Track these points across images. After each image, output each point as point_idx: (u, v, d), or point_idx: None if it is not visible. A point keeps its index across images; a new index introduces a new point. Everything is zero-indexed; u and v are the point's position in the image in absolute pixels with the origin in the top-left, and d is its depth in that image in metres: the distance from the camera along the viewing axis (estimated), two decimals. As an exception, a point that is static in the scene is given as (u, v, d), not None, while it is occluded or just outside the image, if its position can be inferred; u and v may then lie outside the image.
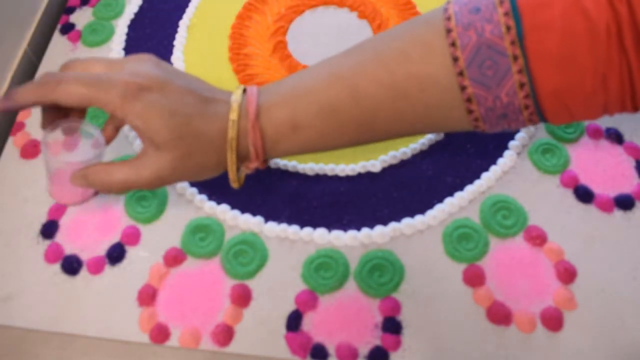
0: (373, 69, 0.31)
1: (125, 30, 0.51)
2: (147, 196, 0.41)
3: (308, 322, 0.36)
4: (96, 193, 0.34)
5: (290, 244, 0.39)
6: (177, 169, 0.31)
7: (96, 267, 0.39)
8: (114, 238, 0.40)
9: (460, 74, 0.29)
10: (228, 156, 0.32)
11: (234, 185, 0.34)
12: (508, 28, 0.28)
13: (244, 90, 0.33)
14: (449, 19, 0.30)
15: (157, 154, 0.31)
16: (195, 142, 0.31)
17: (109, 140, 0.35)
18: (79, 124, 0.34)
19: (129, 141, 0.44)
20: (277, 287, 0.38)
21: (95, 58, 0.32)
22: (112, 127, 0.35)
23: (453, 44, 0.29)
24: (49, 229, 0.40)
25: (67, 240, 0.40)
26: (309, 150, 0.33)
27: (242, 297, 0.37)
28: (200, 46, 0.50)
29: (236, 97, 0.32)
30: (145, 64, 0.32)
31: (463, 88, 0.30)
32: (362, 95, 0.31)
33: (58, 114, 0.33)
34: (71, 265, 0.39)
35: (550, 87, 0.29)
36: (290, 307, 0.37)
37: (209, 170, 0.33)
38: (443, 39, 0.30)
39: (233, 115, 0.31)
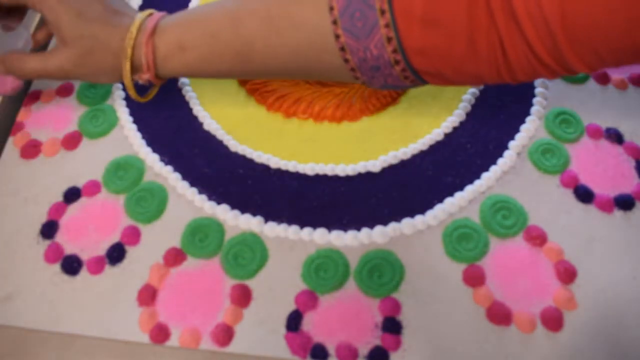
0: (255, 4, 0.34)
1: (125, 30, 0.51)
2: (146, 196, 0.41)
3: (308, 322, 0.36)
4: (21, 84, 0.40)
5: (290, 244, 0.39)
6: (76, 66, 0.37)
7: (96, 267, 0.39)
8: (114, 238, 0.40)
9: (334, 22, 0.32)
10: (123, 63, 0.36)
11: (130, 92, 0.38)
12: None
13: (151, 14, 0.37)
14: None
15: (62, 49, 0.36)
16: (95, 44, 0.36)
17: (40, 43, 0.42)
18: (15, 24, 0.40)
19: (129, 141, 0.45)
20: (277, 287, 0.38)
21: None
22: (45, 32, 0.42)
23: None
24: (49, 229, 0.40)
25: (67, 240, 0.40)
26: (195, 73, 0.37)
27: (242, 297, 0.37)
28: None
29: (141, 15, 0.36)
30: None
31: (337, 36, 0.32)
32: (240, 25, 0.34)
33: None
34: (71, 265, 0.39)
35: (415, 45, 0.30)
36: (290, 307, 0.37)
37: (105, 74, 0.37)
38: None
39: (133, 28, 0.36)
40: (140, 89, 0.39)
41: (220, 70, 0.37)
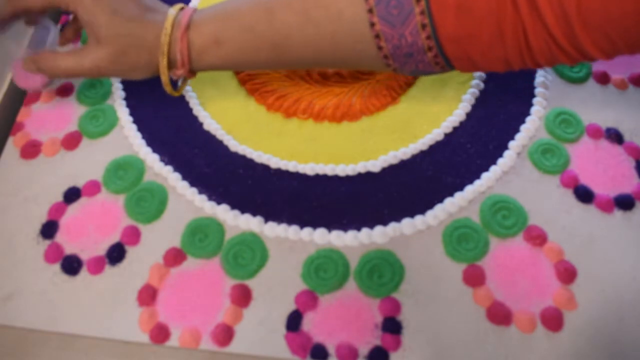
0: None
1: (125, 30, 0.51)
2: (146, 196, 0.41)
3: (308, 322, 0.36)
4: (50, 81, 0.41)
5: (290, 244, 0.39)
6: (112, 63, 0.37)
7: (96, 267, 0.39)
8: (114, 238, 0.40)
9: (370, 10, 0.32)
10: (160, 60, 0.36)
11: (167, 88, 0.38)
12: None
13: (182, 8, 0.37)
14: None
15: (97, 47, 0.36)
16: (131, 42, 0.36)
17: (68, 41, 0.43)
18: (41, 18, 0.41)
19: (129, 141, 0.45)
20: (277, 287, 0.38)
21: None
22: (73, 29, 0.43)
23: None
24: (49, 229, 0.40)
25: (67, 240, 0.40)
26: (230, 66, 0.38)
27: (242, 297, 0.37)
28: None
29: (173, 10, 0.37)
30: None
31: (372, 24, 0.33)
32: (276, 18, 0.35)
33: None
34: (71, 265, 0.39)
35: (449, 32, 0.31)
36: (290, 307, 0.37)
37: (140, 70, 0.38)
38: None
39: (167, 24, 0.36)
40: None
41: (256, 62, 0.37)
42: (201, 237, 0.40)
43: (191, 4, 0.52)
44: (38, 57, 0.39)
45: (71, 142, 0.45)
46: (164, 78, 0.38)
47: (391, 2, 0.32)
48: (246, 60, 0.37)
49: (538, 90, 0.46)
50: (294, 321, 0.36)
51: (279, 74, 0.48)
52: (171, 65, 0.37)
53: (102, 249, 0.40)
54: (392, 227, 0.40)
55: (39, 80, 0.40)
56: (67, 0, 0.36)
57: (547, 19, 0.29)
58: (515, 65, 0.33)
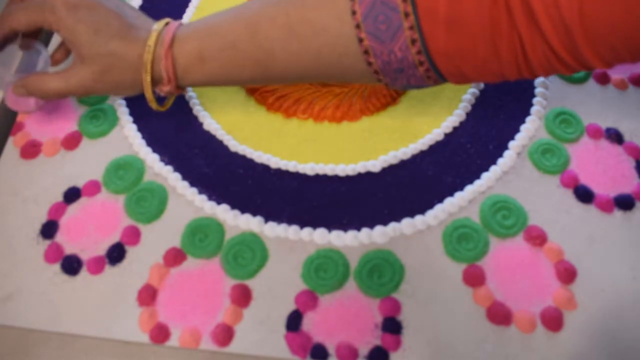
0: (272, 11, 0.34)
1: (125, 30, 0.51)
2: (146, 196, 0.41)
3: (308, 322, 0.36)
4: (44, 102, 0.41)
5: (290, 244, 0.39)
6: (97, 82, 0.37)
7: (96, 267, 0.39)
8: (114, 238, 0.40)
9: (357, 26, 0.32)
10: (143, 77, 0.36)
11: (152, 105, 0.39)
12: None
13: (167, 23, 0.37)
14: None
15: (81, 66, 0.36)
16: (113, 61, 0.36)
17: (59, 62, 0.42)
18: (33, 42, 0.41)
19: (129, 141, 0.45)
20: (277, 287, 0.38)
21: None
22: (63, 51, 0.42)
23: None
24: (49, 229, 0.40)
25: (67, 240, 0.40)
26: (215, 82, 0.37)
27: (242, 297, 0.37)
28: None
29: (157, 27, 0.36)
30: None
31: (360, 40, 0.32)
32: (259, 34, 0.34)
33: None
34: (71, 265, 0.39)
35: (440, 47, 0.30)
36: (290, 307, 0.37)
37: (125, 88, 0.38)
38: None
39: (150, 42, 0.35)
40: (158, 98, 0.39)
41: (241, 79, 0.37)
42: (201, 237, 0.40)
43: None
44: (26, 80, 0.39)
45: (71, 142, 0.45)
46: (148, 95, 0.37)
47: (379, 17, 0.31)
48: (230, 76, 0.37)
49: (538, 90, 0.46)
50: (294, 321, 0.36)
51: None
52: (157, 82, 0.37)
53: (102, 249, 0.40)
54: (392, 227, 0.40)
55: (32, 103, 0.40)
56: (50, 20, 0.36)
57: (546, 31, 0.28)
58: (511, 77, 0.32)
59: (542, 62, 0.30)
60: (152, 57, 0.35)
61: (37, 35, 0.41)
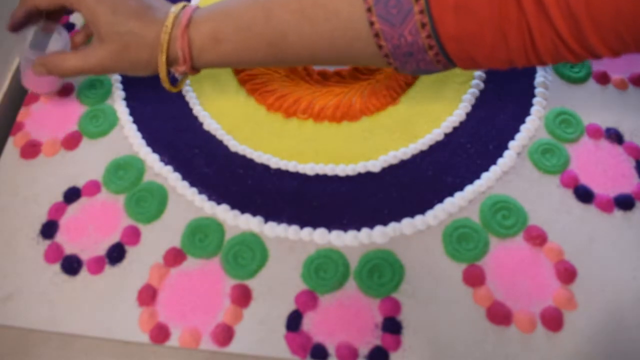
0: None
1: (125, 30, 0.51)
2: (146, 196, 0.41)
3: (308, 322, 0.36)
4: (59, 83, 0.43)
5: (290, 244, 0.39)
6: (114, 60, 0.38)
7: (96, 267, 0.39)
8: (114, 238, 0.40)
9: (369, 10, 0.32)
10: (159, 57, 0.37)
11: (165, 84, 0.39)
12: None
13: (184, 7, 0.38)
14: None
15: (100, 45, 0.37)
16: (131, 40, 0.37)
17: (78, 44, 0.44)
18: (53, 25, 0.42)
19: (129, 142, 0.45)
20: (277, 287, 0.38)
21: None
22: (83, 34, 0.44)
23: None
24: (49, 229, 0.40)
25: (67, 240, 0.40)
26: (230, 63, 0.38)
27: (242, 297, 0.37)
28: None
29: (175, 9, 0.37)
30: None
31: (372, 23, 0.33)
32: (273, 17, 0.35)
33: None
34: (71, 265, 0.39)
35: (450, 31, 0.31)
36: (290, 307, 0.37)
37: (140, 68, 0.38)
38: None
39: (168, 22, 0.36)
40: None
41: (254, 60, 0.38)
42: (201, 237, 0.40)
43: (192, 2, 0.52)
44: (46, 59, 0.40)
45: (71, 142, 0.45)
46: (162, 74, 0.38)
47: (390, 1, 0.32)
48: (244, 58, 0.37)
49: (538, 90, 0.46)
50: (294, 321, 0.36)
51: (279, 74, 0.48)
52: (172, 62, 0.38)
53: (102, 249, 0.40)
54: (392, 227, 0.40)
55: (53, 83, 0.42)
56: (72, 0, 0.37)
57: (555, 19, 0.29)
58: (519, 64, 0.33)
59: (550, 49, 0.31)
60: (169, 37, 0.36)
61: (59, 18, 0.43)
